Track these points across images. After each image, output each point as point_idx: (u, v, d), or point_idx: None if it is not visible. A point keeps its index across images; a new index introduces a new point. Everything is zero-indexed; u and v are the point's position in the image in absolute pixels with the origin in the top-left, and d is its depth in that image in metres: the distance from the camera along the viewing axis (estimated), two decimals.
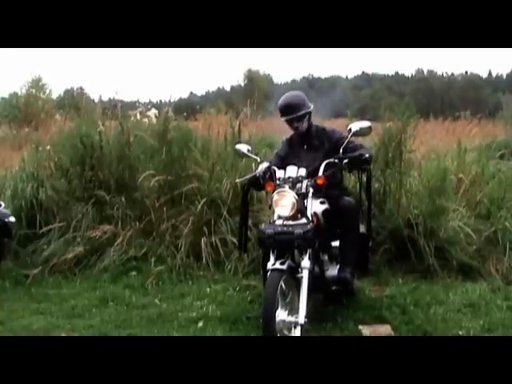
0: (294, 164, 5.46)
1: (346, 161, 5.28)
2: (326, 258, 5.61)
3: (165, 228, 7.38)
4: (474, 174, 7.92)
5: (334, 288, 5.45)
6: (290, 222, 4.87)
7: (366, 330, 5.39)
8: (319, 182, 5.10)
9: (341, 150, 5.35)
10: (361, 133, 5.50)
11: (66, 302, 6.33)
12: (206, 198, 7.46)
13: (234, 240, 7.08)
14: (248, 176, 5.63)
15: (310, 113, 5.74)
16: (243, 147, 5.78)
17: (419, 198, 7.27)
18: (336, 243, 5.64)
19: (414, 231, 6.89)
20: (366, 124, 5.52)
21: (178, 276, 6.94)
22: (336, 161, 5.29)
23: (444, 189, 7.27)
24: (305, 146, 5.77)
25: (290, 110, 5.63)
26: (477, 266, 6.90)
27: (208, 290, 6.59)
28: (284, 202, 4.91)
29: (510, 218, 7.43)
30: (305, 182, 5.08)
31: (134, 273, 7.03)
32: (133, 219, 7.52)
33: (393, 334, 5.33)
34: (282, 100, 5.73)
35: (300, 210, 4.92)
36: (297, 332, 4.60)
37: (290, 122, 5.72)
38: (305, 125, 5.71)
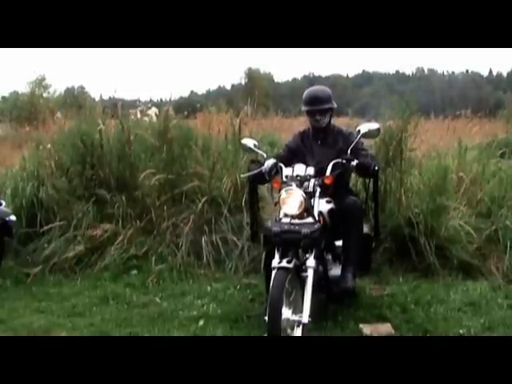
0: (305, 158, 5.48)
1: (354, 163, 5.26)
2: (330, 257, 5.60)
3: (165, 227, 7.39)
4: (475, 173, 7.92)
5: (335, 289, 5.42)
6: (297, 221, 4.84)
7: (367, 329, 5.39)
8: (327, 181, 5.07)
9: (349, 151, 5.33)
10: (369, 134, 5.49)
11: (66, 301, 6.34)
12: (206, 196, 7.47)
13: (235, 238, 7.10)
14: (254, 171, 5.57)
15: (332, 110, 5.76)
16: (249, 142, 5.73)
17: (420, 197, 7.27)
18: (340, 243, 5.62)
19: (414, 230, 6.89)
20: (374, 126, 5.51)
21: (178, 274, 6.94)
22: (344, 161, 5.27)
23: (445, 187, 7.27)
24: (319, 142, 5.76)
25: (316, 102, 5.64)
26: (477, 265, 6.90)
27: (209, 288, 6.59)
28: (291, 201, 4.87)
29: (511, 216, 7.43)
30: (312, 181, 5.04)
31: (134, 271, 7.03)
32: (133, 218, 7.52)
33: (393, 332, 5.34)
34: (309, 90, 5.77)
35: (307, 209, 4.89)
36: (299, 331, 4.57)
37: (311, 114, 5.71)
38: (326, 120, 5.70)
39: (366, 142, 5.91)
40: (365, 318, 5.66)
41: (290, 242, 4.75)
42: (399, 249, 7.01)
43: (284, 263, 4.62)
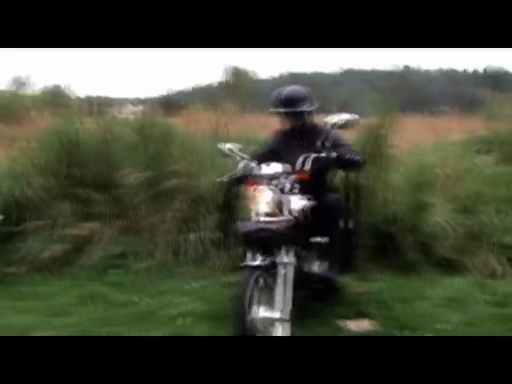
0: (284, 157, 5.43)
1: (333, 155, 5.20)
2: (310, 254, 5.59)
3: (145, 225, 7.36)
4: (455, 169, 7.95)
5: (317, 286, 5.41)
6: (268, 219, 4.81)
7: (348, 326, 5.40)
8: (301, 176, 5.05)
9: (327, 144, 5.26)
10: (346, 125, 5.39)
11: (46, 301, 6.27)
12: (187, 194, 7.44)
13: (215, 237, 7.08)
14: (228, 175, 5.54)
15: (303, 112, 5.66)
16: (225, 146, 5.70)
17: (401, 194, 7.29)
18: (320, 240, 5.60)
19: (395, 226, 6.91)
20: (351, 116, 5.40)
21: (158, 273, 6.92)
22: (322, 155, 5.21)
23: (425, 184, 7.30)
24: (299, 142, 5.64)
25: (280, 105, 5.61)
26: (458, 261, 6.94)
27: (188, 287, 6.58)
28: (262, 199, 4.83)
29: (491, 212, 7.48)
30: (286, 178, 5.01)
31: (114, 270, 7.00)
32: (113, 216, 7.48)
33: (375, 329, 5.35)
34: (282, 91, 5.69)
35: (279, 207, 4.86)
36: (278, 327, 4.55)
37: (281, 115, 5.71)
38: (294, 123, 5.68)
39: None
40: (346, 314, 5.66)
41: (262, 241, 4.72)
42: (380, 245, 7.03)
43: (250, 262, 4.61)
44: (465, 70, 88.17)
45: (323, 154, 5.20)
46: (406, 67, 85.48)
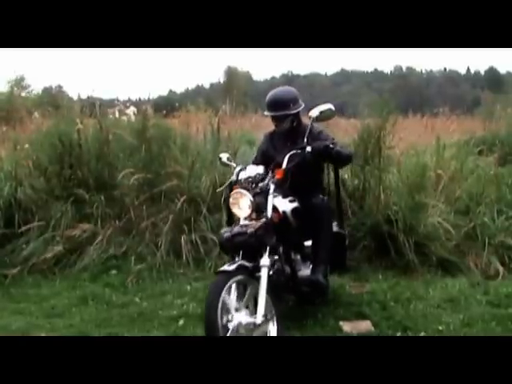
0: (275, 159, 5.42)
1: (308, 149, 5.17)
2: (299, 257, 5.58)
3: (144, 226, 7.35)
4: (453, 170, 7.96)
5: (305, 289, 5.39)
6: (245, 223, 4.79)
7: (347, 327, 5.40)
8: (277, 176, 5.00)
9: (305, 139, 5.25)
10: (323, 117, 5.39)
11: (45, 302, 6.28)
12: (185, 195, 7.44)
13: (214, 237, 7.09)
14: (225, 185, 5.56)
15: (294, 114, 5.57)
16: (223, 156, 5.66)
17: (398, 195, 7.29)
18: (309, 243, 5.57)
19: (393, 227, 6.91)
20: (325, 106, 5.37)
21: (158, 274, 6.91)
22: (298, 150, 5.19)
23: (423, 185, 7.30)
24: (288, 143, 5.57)
25: (271, 108, 5.56)
26: (456, 262, 6.93)
27: (188, 287, 6.59)
28: (240, 204, 4.84)
29: (489, 213, 7.48)
30: (266, 179, 5.01)
31: (114, 271, 7.00)
32: (112, 217, 7.48)
33: (373, 329, 5.35)
34: (269, 94, 5.66)
35: (258, 210, 4.85)
36: (258, 333, 4.48)
37: (271, 119, 5.67)
38: (285, 125, 5.58)
39: (345, 140, 5.89)
40: (345, 315, 5.66)
41: (239, 245, 4.71)
42: (378, 246, 7.04)
43: (225, 267, 4.58)
44: (465, 71, 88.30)
45: (298, 150, 5.20)
46: (408, 68, 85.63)
